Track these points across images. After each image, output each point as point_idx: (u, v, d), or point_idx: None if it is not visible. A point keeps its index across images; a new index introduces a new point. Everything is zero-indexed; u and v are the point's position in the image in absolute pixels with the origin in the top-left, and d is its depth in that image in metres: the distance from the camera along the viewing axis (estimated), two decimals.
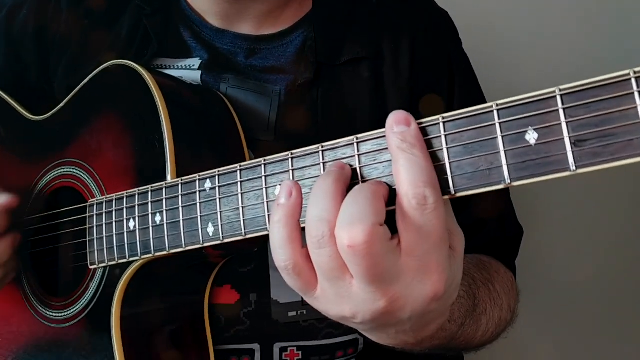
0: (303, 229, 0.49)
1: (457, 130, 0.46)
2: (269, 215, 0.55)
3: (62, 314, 0.75)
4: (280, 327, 0.80)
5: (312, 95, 0.81)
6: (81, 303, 0.73)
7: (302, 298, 0.79)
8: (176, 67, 0.83)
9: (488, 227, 0.87)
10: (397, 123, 0.46)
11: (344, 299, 0.47)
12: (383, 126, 0.48)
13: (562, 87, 0.41)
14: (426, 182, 0.44)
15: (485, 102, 0.91)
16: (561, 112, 0.41)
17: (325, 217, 0.45)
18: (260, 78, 0.83)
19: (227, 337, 0.79)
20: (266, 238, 0.58)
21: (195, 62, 0.84)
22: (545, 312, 1.39)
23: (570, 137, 0.41)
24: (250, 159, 0.76)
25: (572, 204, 1.36)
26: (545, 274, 1.36)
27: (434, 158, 0.46)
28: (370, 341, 0.82)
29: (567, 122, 0.41)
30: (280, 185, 0.51)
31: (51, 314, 0.76)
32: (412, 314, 0.48)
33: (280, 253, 0.48)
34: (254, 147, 0.78)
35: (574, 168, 0.41)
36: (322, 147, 0.52)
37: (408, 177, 0.45)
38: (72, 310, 0.74)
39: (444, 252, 0.46)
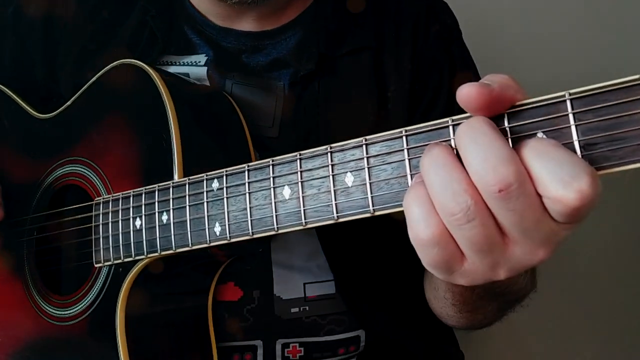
0: None
1: None
2: (276, 215, 0.55)
3: (66, 312, 0.75)
4: (283, 323, 0.80)
5: (314, 86, 0.82)
6: (86, 301, 0.73)
7: (305, 294, 0.82)
8: (182, 64, 0.84)
9: None
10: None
11: (499, 264, 0.44)
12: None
13: (571, 91, 0.42)
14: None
15: None
16: (571, 116, 0.41)
17: (462, 187, 0.42)
18: (264, 75, 0.84)
19: (230, 333, 0.79)
20: (272, 238, 0.58)
21: (201, 58, 0.84)
22: (546, 311, 1.39)
23: (579, 141, 0.41)
24: (256, 158, 0.77)
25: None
26: (545, 272, 1.36)
27: None
28: (371, 339, 0.84)
29: (576, 126, 0.41)
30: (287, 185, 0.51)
31: (55, 311, 0.77)
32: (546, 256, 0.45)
33: (424, 225, 0.44)
34: (259, 144, 0.79)
35: None
36: (331, 148, 0.53)
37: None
38: (77, 308, 0.74)
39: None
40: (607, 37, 1.36)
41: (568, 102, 0.42)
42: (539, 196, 0.40)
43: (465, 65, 0.90)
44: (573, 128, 0.41)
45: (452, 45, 0.89)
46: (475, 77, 0.92)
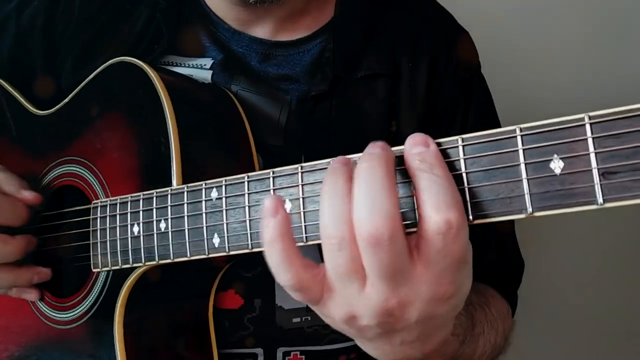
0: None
1: (477, 155, 0.43)
2: None
3: (65, 315, 0.74)
4: (284, 332, 0.79)
5: (324, 107, 0.79)
6: (84, 305, 0.72)
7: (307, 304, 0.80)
8: (186, 65, 0.81)
9: (487, 255, 0.84)
10: (415, 144, 0.45)
11: (353, 301, 0.46)
12: (395, 144, 0.47)
13: (591, 114, 0.39)
14: (449, 205, 0.42)
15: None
16: (590, 141, 0.39)
17: (344, 218, 0.43)
18: (272, 85, 0.81)
19: (230, 341, 0.78)
20: None
21: (207, 61, 0.81)
22: (546, 311, 1.38)
23: (598, 169, 0.38)
24: (259, 164, 0.75)
25: (575, 223, 1.33)
26: (545, 272, 1.35)
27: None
28: None
29: (596, 153, 0.38)
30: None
31: (54, 314, 0.75)
32: (419, 316, 0.46)
33: (282, 272, 0.46)
34: (263, 150, 0.76)
35: (602, 201, 0.38)
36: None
37: (430, 199, 0.42)
38: (75, 311, 0.73)
39: (461, 272, 0.45)
40: (623, 45, 1.33)
41: (587, 126, 0.39)
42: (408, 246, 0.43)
43: (480, 99, 0.87)
44: (592, 155, 0.38)
45: (470, 83, 0.86)
46: (493, 121, 0.89)
